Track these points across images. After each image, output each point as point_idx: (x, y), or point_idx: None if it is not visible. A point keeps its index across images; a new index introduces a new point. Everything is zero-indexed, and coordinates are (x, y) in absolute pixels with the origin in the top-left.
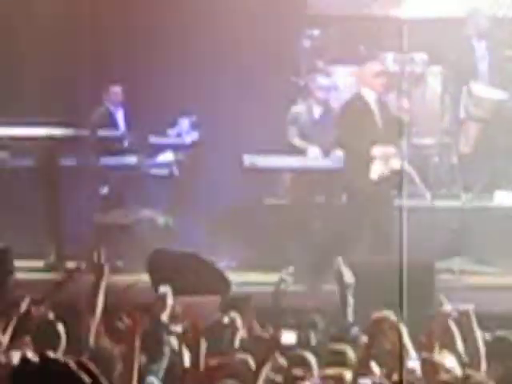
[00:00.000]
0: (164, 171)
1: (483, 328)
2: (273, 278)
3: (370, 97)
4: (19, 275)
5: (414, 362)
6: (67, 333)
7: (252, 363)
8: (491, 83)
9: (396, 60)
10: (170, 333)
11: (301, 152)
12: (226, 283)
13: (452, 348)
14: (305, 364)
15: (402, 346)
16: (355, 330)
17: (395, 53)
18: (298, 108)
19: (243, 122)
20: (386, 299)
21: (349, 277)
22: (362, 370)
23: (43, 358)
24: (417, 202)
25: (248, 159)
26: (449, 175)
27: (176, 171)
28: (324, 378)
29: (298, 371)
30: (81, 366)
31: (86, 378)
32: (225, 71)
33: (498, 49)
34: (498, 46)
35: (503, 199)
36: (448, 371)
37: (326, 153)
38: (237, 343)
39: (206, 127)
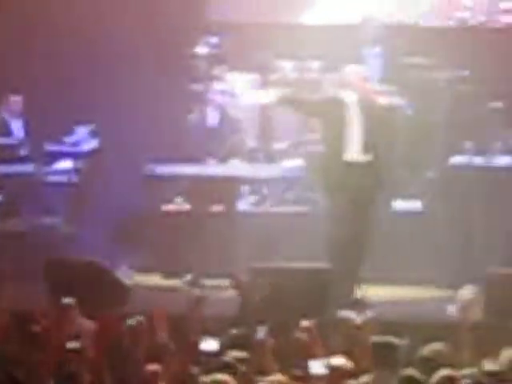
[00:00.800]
0: (62, 178)
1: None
2: (172, 284)
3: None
4: None
5: (319, 368)
6: None
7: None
8: (388, 89)
9: (294, 67)
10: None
11: (199, 160)
12: (124, 290)
13: (351, 354)
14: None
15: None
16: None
17: (293, 60)
18: (196, 115)
19: (142, 130)
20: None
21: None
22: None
23: None
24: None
25: (147, 167)
26: None
27: (74, 178)
28: None
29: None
30: None
31: None
32: (123, 80)
33: (392, 56)
34: (392, 53)
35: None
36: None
37: (223, 160)
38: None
39: (105, 135)
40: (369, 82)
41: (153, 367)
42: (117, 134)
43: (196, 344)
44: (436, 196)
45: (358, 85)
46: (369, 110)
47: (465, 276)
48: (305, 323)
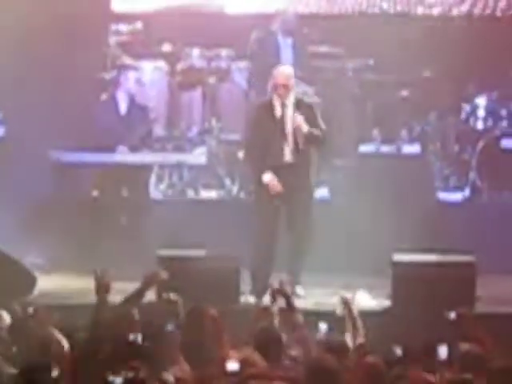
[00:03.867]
0: None
1: None
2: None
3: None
4: None
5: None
6: None
7: None
8: (297, 79)
9: (202, 55)
10: None
11: (109, 148)
12: (31, 279)
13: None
14: None
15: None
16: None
17: (201, 48)
18: (105, 103)
19: (51, 117)
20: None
21: None
22: None
23: None
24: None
25: (55, 155)
26: None
27: None
28: None
29: None
30: None
31: None
32: (31, 67)
33: (303, 45)
34: (302, 42)
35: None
36: None
37: (133, 148)
38: None
39: (12, 123)
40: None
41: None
42: (24, 122)
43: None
44: (344, 184)
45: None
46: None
47: (372, 264)
48: (211, 312)
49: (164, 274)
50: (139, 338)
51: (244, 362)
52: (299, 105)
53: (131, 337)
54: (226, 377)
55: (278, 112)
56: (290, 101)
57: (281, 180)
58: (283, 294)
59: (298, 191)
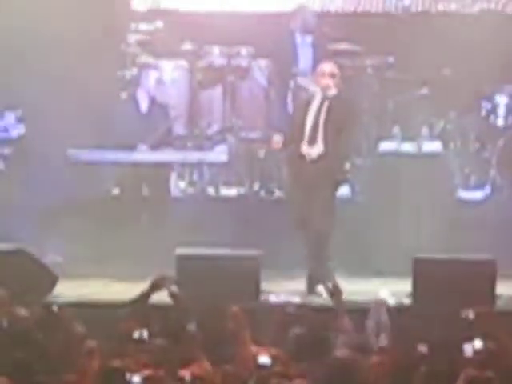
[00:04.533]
0: None
1: None
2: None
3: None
4: None
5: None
6: None
7: None
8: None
9: (222, 53)
10: None
11: (130, 146)
12: (51, 278)
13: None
14: None
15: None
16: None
17: (221, 46)
18: (126, 102)
19: (71, 116)
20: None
21: None
22: None
23: None
24: None
25: (75, 154)
26: (275, 169)
27: (1, 165)
28: None
29: None
30: None
31: None
32: (51, 66)
33: (322, 44)
34: (322, 41)
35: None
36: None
37: (154, 147)
38: None
39: (33, 121)
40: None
41: (90, 343)
42: (44, 120)
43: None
44: (365, 182)
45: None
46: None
47: (392, 262)
48: (233, 310)
49: (171, 278)
50: (145, 334)
51: (275, 359)
52: (338, 103)
53: (136, 334)
54: (250, 372)
55: (316, 103)
56: (330, 96)
57: (304, 173)
58: (334, 294)
59: (319, 187)
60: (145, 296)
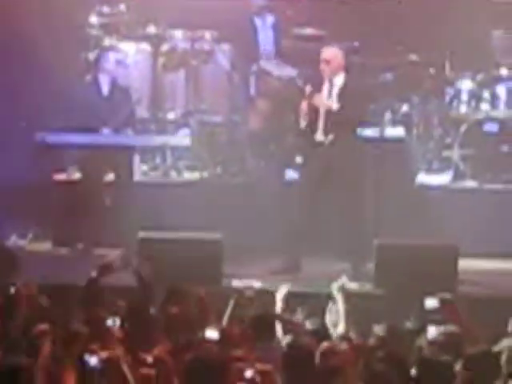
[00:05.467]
0: None
1: None
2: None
3: None
4: None
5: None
6: None
7: None
8: (280, 61)
9: (185, 37)
10: None
11: (93, 129)
12: (13, 259)
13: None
14: None
15: None
16: None
17: (184, 30)
18: (88, 85)
19: (33, 98)
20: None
21: None
22: None
23: None
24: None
25: (39, 136)
26: (237, 152)
27: None
28: None
29: None
30: None
31: None
32: (14, 49)
33: (286, 27)
34: (286, 24)
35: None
36: None
37: (117, 130)
38: None
39: None
40: None
41: (42, 326)
42: (7, 103)
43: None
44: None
45: None
46: None
47: (354, 248)
48: (197, 291)
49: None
50: (117, 321)
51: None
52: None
53: (109, 321)
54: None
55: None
56: (337, 83)
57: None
58: None
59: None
60: (93, 280)
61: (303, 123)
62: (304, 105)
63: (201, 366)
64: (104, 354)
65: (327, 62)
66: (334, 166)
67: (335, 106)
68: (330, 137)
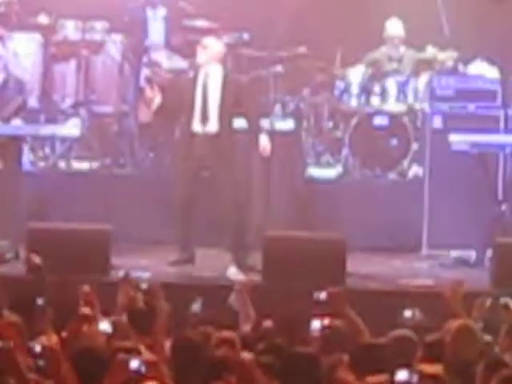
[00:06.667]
0: None
1: None
2: None
3: None
4: None
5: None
6: None
7: None
8: (171, 53)
9: (77, 27)
10: None
11: None
12: None
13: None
14: None
15: None
16: None
17: (76, 20)
18: None
19: None
20: None
21: None
22: None
23: None
24: None
25: None
26: (127, 143)
27: None
28: None
29: None
30: None
31: None
32: None
33: (177, 19)
34: (177, 16)
35: None
36: None
37: (6, 119)
38: None
39: None
40: None
41: None
42: None
43: None
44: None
45: None
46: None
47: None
48: (84, 288)
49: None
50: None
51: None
52: (227, 81)
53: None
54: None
55: (200, 78)
56: (215, 72)
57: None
58: None
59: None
60: None
61: (188, 114)
62: (188, 96)
63: (87, 356)
64: None
65: (204, 47)
66: (213, 156)
67: (213, 97)
68: (208, 127)
